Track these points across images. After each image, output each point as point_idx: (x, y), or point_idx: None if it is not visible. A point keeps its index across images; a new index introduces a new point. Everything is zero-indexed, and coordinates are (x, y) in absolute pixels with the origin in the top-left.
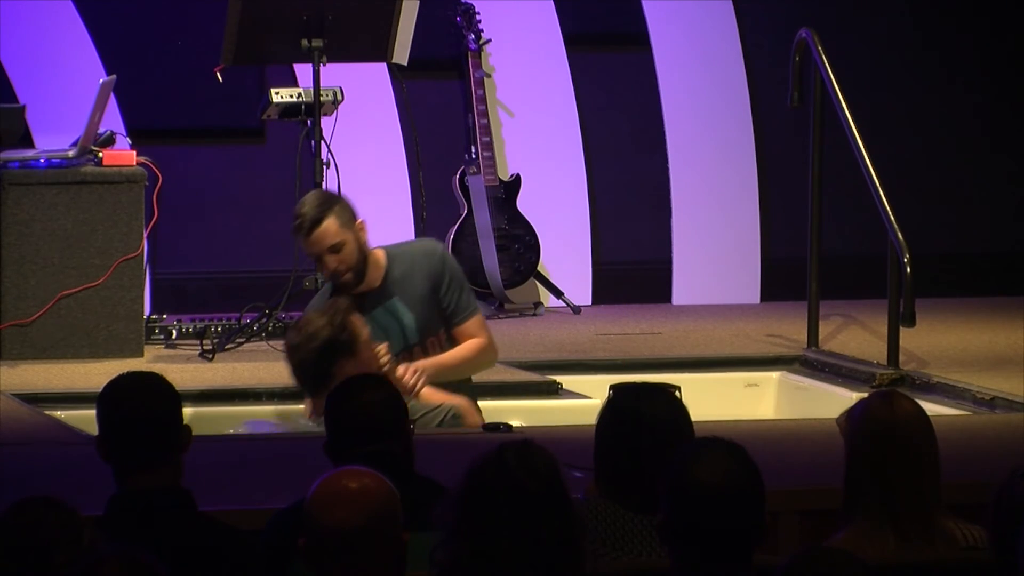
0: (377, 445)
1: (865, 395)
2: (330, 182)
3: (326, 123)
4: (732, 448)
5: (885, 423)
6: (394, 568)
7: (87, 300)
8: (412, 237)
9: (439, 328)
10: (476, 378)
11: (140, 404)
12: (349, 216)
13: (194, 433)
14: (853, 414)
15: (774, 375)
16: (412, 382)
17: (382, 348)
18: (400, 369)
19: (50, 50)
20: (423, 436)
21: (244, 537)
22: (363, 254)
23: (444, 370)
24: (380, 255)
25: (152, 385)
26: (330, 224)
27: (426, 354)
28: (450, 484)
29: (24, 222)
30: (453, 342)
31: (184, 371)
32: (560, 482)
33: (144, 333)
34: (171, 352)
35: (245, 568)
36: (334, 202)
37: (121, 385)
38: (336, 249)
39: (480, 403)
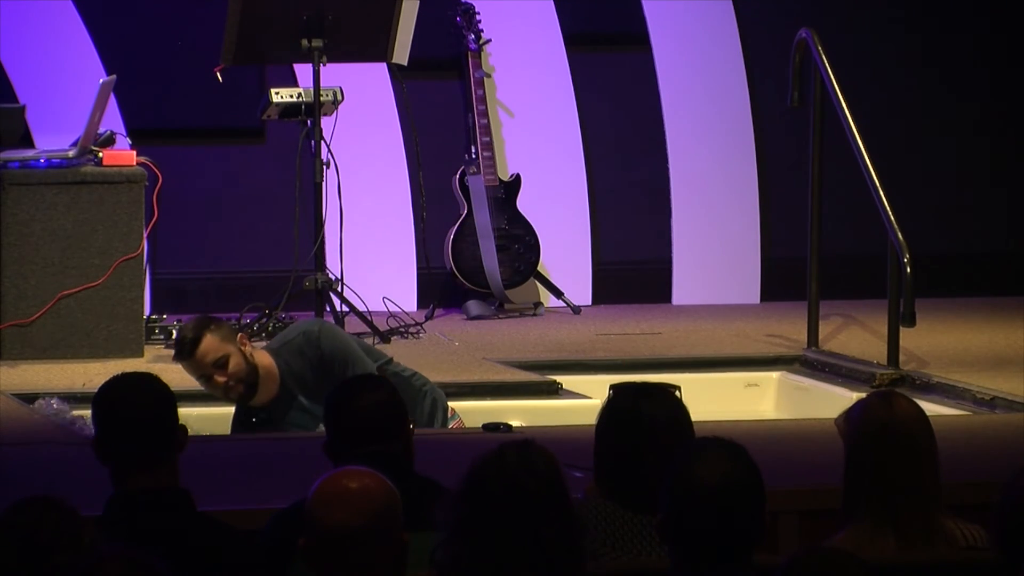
0: (376, 445)
1: (864, 395)
2: (330, 182)
3: (326, 123)
4: (733, 448)
5: (883, 423)
6: (395, 569)
7: (87, 300)
8: (412, 237)
9: None
10: (476, 378)
11: (135, 406)
12: (228, 331)
13: (196, 433)
14: (852, 415)
15: (774, 375)
16: None
17: None
18: None
19: (50, 50)
20: (423, 436)
21: (243, 536)
22: (251, 365)
23: None
24: (267, 359)
25: (146, 386)
26: (210, 340)
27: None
28: (450, 484)
29: (24, 222)
30: None
31: (184, 371)
32: (561, 482)
33: (144, 333)
34: (171, 352)
35: (244, 567)
36: (210, 321)
37: (115, 387)
38: (221, 364)
39: (480, 403)
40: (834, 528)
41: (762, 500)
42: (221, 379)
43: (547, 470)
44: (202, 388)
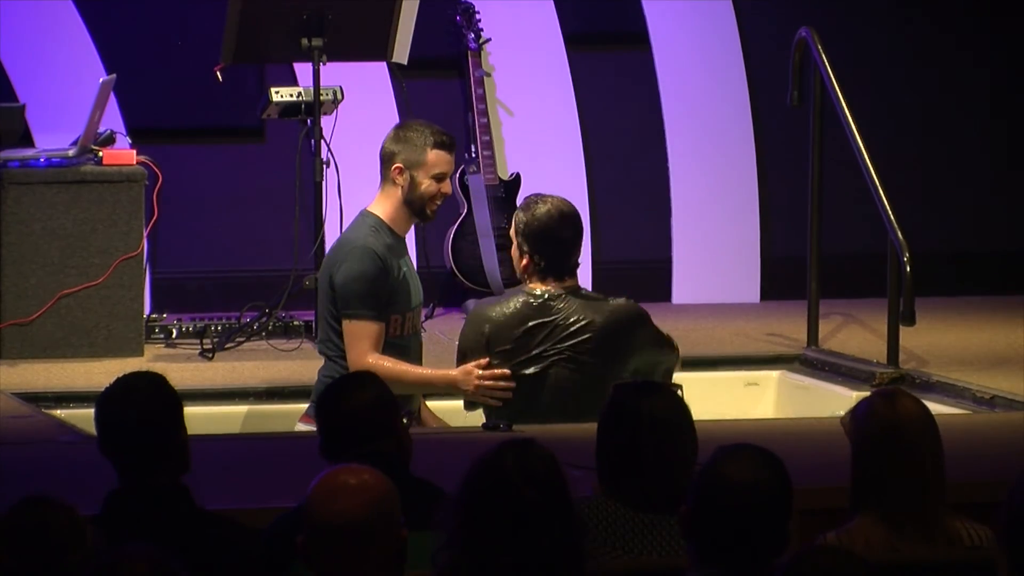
0: (369, 445)
1: (866, 394)
2: (330, 181)
3: (326, 122)
4: (769, 455)
5: (887, 421)
6: (393, 565)
7: (87, 299)
8: (412, 237)
9: None
10: None
11: (139, 406)
12: None
13: (196, 433)
14: (857, 413)
15: (774, 374)
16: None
17: None
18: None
19: (50, 50)
20: (422, 435)
21: (243, 530)
22: None
23: None
24: None
25: (151, 386)
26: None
27: (402, 326)
28: (449, 485)
29: (24, 221)
30: None
31: (184, 370)
32: (561, 485)
33: (144, 332)
34: (171, 351)
35: (244, 561)
36: None
37: (121, 387)
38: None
39: None
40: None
41: (788, 510)
42: (446, 188)
43: (546, 475)
44: (204, 387)
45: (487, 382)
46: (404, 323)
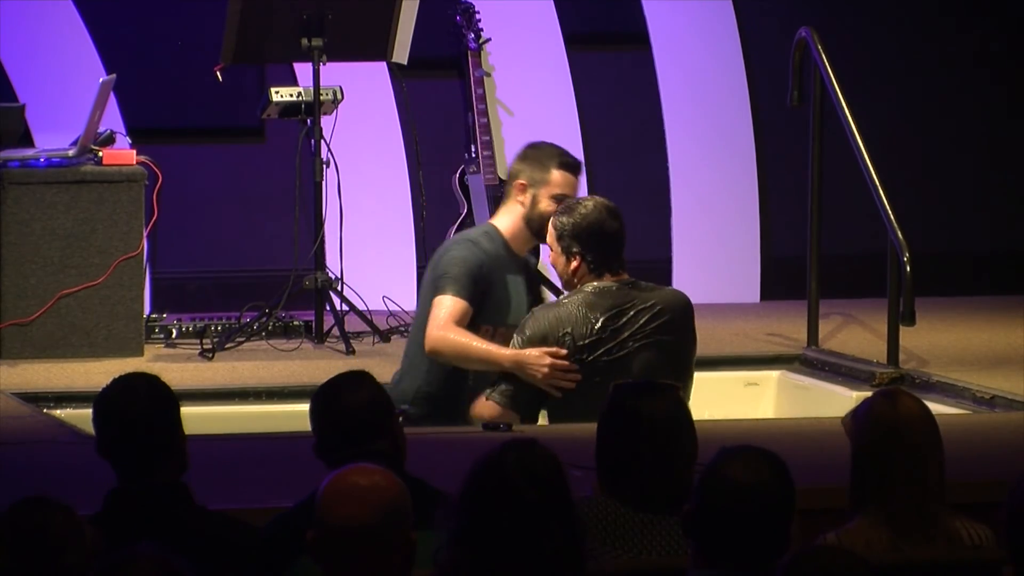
0: (365, 445)
1: (868, 394)
2: (330, 181)
3: (326, 122)
4: (774, 458)
5: (889, 421)
6: (401, 566)
7: (87, 299)
8: (412, 236)
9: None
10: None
11: (136, 407)
12: None
13: (196, 432)
14: (858, 413)
15: (774, 374)
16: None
17: None
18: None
19: (50, 50)
20: (422, 435)
21: (242, 527)
22: None
23: None
24: None
25: (147, 387)
26: None
27: (491, 338)
28: (448, 484)
29: (24, 221)
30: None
31: (184, 370)
32: (563, 487)
33: (144, 332)
34: (171, 351)
35: (244, 559)
36: None
37: (117, 388)
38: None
39: None
40: (835, 528)
41: (790, 513)
42: None
43: (549, 476)
44: (204, 387)
45: (558, 371)
46: (494, 336)
